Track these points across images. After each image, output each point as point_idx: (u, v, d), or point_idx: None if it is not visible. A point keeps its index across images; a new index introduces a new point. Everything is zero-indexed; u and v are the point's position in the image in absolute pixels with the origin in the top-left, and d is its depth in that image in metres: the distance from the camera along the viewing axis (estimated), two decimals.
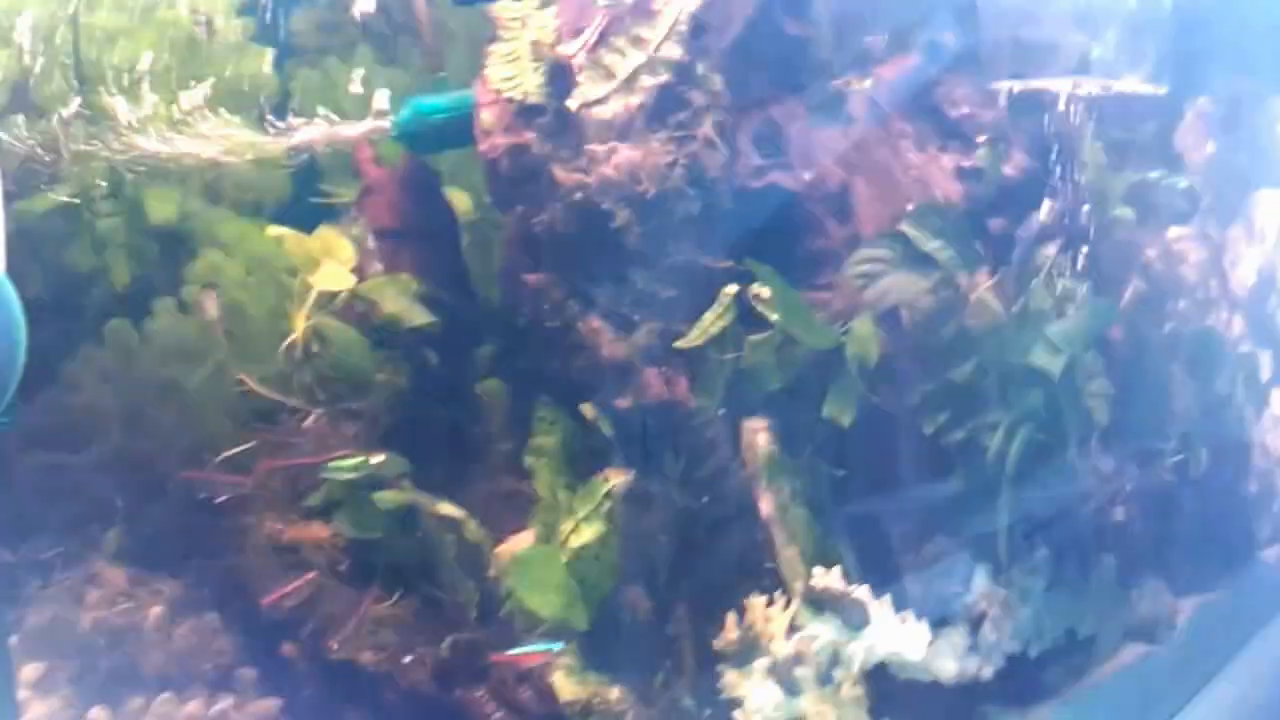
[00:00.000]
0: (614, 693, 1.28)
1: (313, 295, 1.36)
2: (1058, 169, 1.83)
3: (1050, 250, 1.75)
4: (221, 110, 1.43)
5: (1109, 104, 1.93)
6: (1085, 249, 1.83)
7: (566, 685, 1.26)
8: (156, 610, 1.17)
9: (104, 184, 1.39)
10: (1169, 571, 1.94)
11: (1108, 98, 1.87)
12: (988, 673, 1.57)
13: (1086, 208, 1.86)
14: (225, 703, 1.15)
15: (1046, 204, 1.77)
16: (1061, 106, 1.84)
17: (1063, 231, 1.79)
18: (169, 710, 1.13)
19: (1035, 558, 1.68)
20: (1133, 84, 1.90)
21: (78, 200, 1.37)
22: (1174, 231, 2.03)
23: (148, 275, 1.40)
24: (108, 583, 1.19)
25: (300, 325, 1.34)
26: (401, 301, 1.37)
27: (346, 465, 1.24)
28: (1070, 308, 1.72)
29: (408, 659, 1.20)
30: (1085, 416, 1.74)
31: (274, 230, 1.41)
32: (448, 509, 1.29)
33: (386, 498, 1.28)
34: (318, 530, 1.23)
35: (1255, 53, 2.27)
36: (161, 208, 1.44)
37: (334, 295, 1.38)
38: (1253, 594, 2.14)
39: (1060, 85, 1.81)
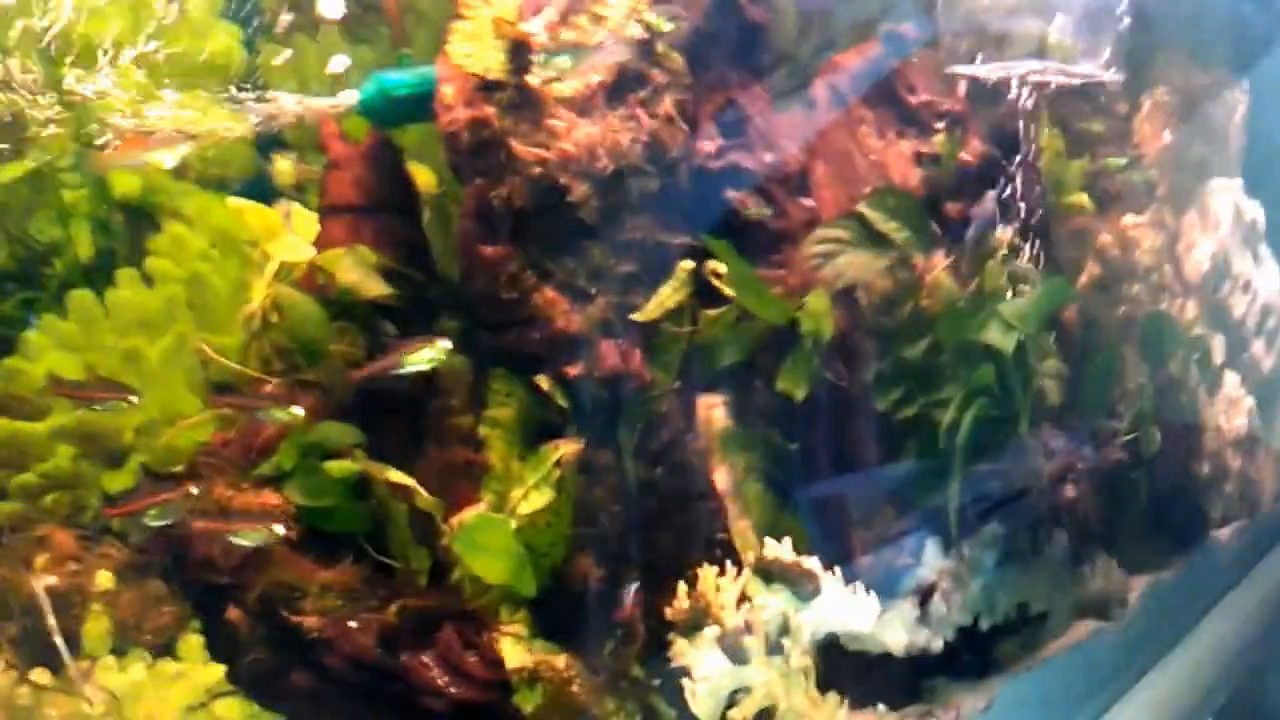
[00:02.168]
0: (560, 660, 1.21)
1: (272, 266, 1.30)
2: (1015, 155, 1.77)
3: (1006, 233, 1.69)
4: (189, 85, 1.37)
5: (1067, 93, 1.87)
6: (1041, 233, 1.77)
7: (514, 652, 1.20)
8: (104, 575, 1.11)
9: (69, 156, 1.34)
10: (1121, 549, 1.87)
11: (1066, 87, 1.81)
12: (938, 645, 1.51)
13: (1043, 193, 1.80)
14: (172, 668, 1.10)
15: (1002, 188, 1.72)
16: (1019, 95, 1.78)
17: (1019, 216, 1.74)
18: (112, 676, 1.07)
19: (987, 533, 1.62)
20: (1090, 73, 1.83)
21: (43, 171, 1.31)
22: (1129, 218, 1.96)
23: (111, 247, 1.35)
24: (57, 546, 1.13)
25: (259, 295, 1.29)
26: (359, 273, 1.31)
27: (420, 358, 1.20)
28: (1024, 288, 1.66)
29: (354, 624, 1.14)
30: (1038, 394, 1.68)
31: (235, 202, 1.35)
32: (398, 477, 1.23)
33: (338, 466, 1.22)
34: (268, 497, 1.18)
35: (1210, 46, 2.20)
36: (126, 181, 1.38)
37: (293, 266, 1.32)
38: (1204, 573, 2.08)
39: (1018, 73, 1.75)
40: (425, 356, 1.20)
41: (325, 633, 1.14)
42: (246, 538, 1.08)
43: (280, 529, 1.08)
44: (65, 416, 1.20)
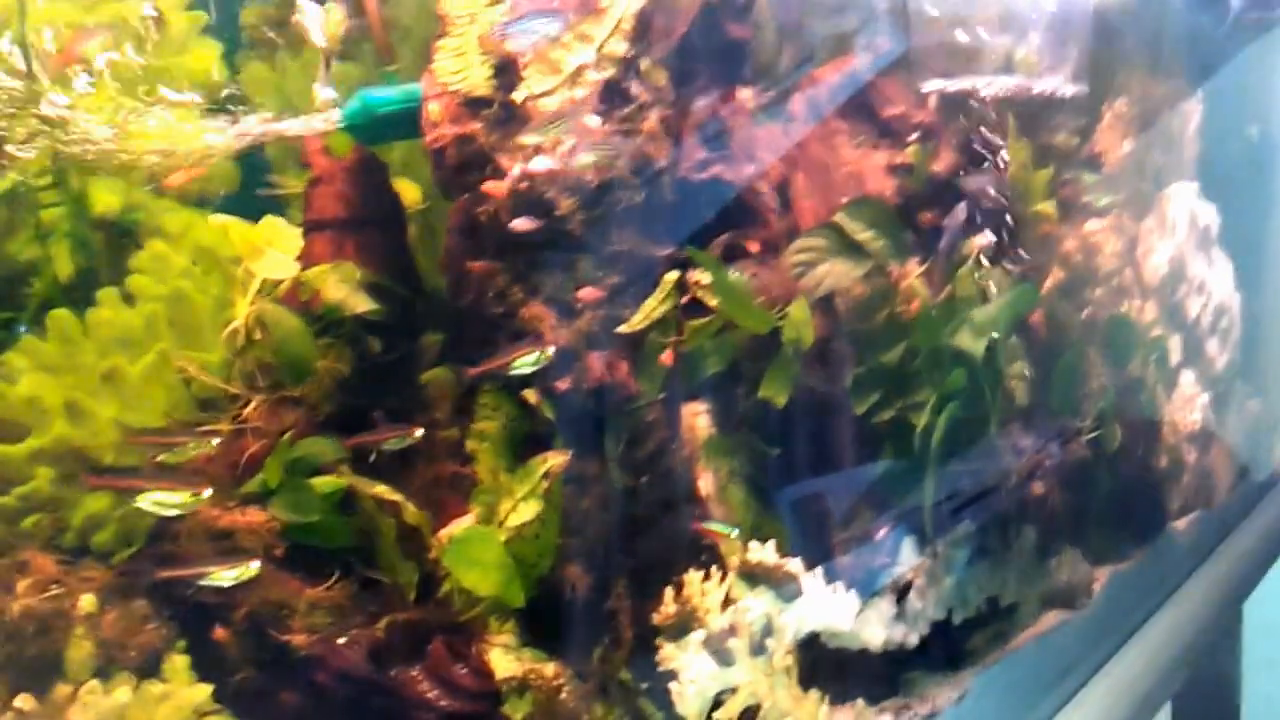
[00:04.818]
0: (549, 668, 1.16)
1: (256, 283, 1.23)
2: (984, 165, 1.73)
3: (976, 241, 1.66)
4: (169, 102, 1.29)
5: (1033, 104, 1.83)
6: (1009, 240, 1.74)
7: (503, 662, 1.15)
8: (86, 597, 1.04)
9: (48, 174, 1.25)
10: (1085, 542, 1.85)
11: (1032, 98, 1.78)
12: (913, 640, 1.48)
13: (1010, 202, 1.77)
14: (154, 689, 1.03)
15: (972, 198, 1.68)
16: (988, 106, 1.75)
17: (988, 224, 1.70)
18: (96, 699, 1.00)
19: (959, 530, 1.58)
20: (1055, 85, 1.80)
21: (20, 189, 1.23)
22: (1092, 224, 1.94)
23: (91, 266, 1.26)
24: (38, 570, 1.06)
25: (242, 312, 1.21)
26: (345, 289, 1.24)
27: (527, 361, 1.18)
28: (993, 294, 1.63)
29: (343, 640, 1.08)
30: (1007, 396, 1.65)
31: (218, 219, 1.27)
32: (386, 491, 1.16)
33: (324, 482, 1.16)
34: (254, 515, 1.11)
35: (1168, 59, 2.18)
36: (106, 198, 1.29)
37: (277, 283, 1.24)
38: (1163, 562, 2.07)
39: (987, 86, 1.71)
40: (530, 360, 1.19)
41: (314, 650, 1.08)
42: (222, 579, 1.00)
43: (255, 565, 1.01)
44: (44, 438, 1.12)
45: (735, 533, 1.30)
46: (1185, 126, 2.21)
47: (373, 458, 1.18)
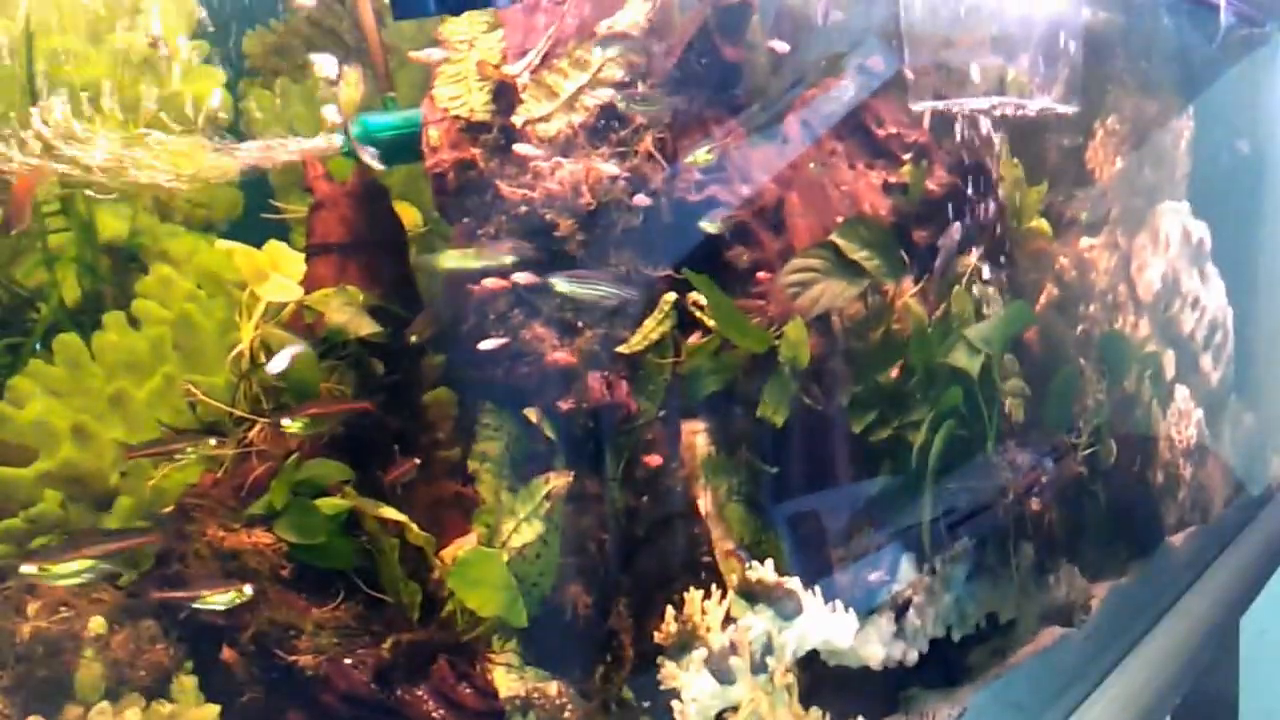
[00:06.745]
0: (552, 687, 1.20)
1: (260, 307, 1.28)
2: (977, 184, 1.80)
3: (970, 259, 1.72)
4: (174, 129, 1.34)
5: (1025, 123, 1.90)
6: (1003, 258, 1.80)
7: (506, 681, 1.19)
8: (96, 619, 1.08)
9: (55, 201, 1.30)
10: (1083, 557, 1.91)
11: (1024, 117, 1.84)
12: (913, 657, 1.53)
13: (1004, 219, 1.83)
14: (163, 710, 1.07)
15: (966, 216, 1.74)
16: (981, 126, 1.81)
17: (982, 242, 1.76)
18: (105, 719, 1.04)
19: (957, 547, 1.64)
20: (1046, 105, 1.87)
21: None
22: (1085, 241, 2.01)
23: (98, 290, 1.31)
24: (47, 592, 1.10)
25: (247, 336, 1.26)
26: (348, 312, 1.29)
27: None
28: (988, 312, 1.68)
29: (349, 660, 1.12)
30: (1003, 413, 1.70)
31: (223, 244, 1.33)
32: (390, 513, 1.21)
33: (329, 504, 1.20)
34: (260, 537, 1.15)
35: (1158, 76, 2.26)
36: (113, 224, 1.35)
37: (281, 307, 1.30)
38: (1160, 577, 2.12)
39: (979, 106, 1.77)
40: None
41: (320, 670, 1.12)
42: (214, 603, 1.05)
43: (248, 589, 1.05)
44: (52, 461, 1.16)
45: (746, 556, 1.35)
46: (1176, 143, 2.29)
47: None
